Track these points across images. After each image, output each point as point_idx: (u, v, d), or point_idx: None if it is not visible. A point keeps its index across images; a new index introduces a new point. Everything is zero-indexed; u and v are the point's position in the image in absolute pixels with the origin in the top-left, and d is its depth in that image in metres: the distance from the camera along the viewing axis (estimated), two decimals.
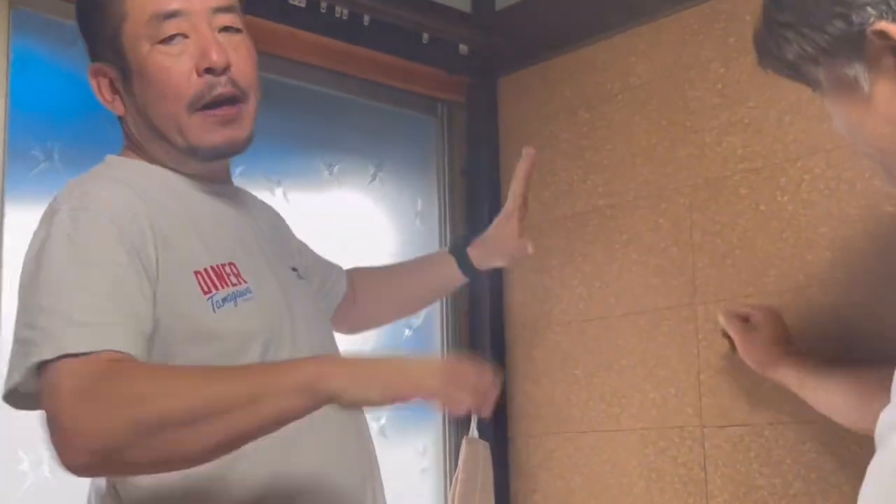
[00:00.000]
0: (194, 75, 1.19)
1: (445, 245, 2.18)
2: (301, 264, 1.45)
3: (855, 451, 1.55)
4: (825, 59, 1.01)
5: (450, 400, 1.05)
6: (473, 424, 2.09)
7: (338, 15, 1.93)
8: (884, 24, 0.95)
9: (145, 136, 1.25)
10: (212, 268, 1.19)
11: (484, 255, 1.63)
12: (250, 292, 1.21)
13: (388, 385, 1.03)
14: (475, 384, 1.05)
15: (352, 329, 1.65)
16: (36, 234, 1.17)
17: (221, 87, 1.20)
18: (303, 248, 1.53)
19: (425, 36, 2.07)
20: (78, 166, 1.69)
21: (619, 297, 1.93)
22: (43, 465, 1.57)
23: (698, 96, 1.82)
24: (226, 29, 1.23)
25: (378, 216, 2.16)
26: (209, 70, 1.19)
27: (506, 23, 2.16)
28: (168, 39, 1.19)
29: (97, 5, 1.23)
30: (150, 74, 1.19)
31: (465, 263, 1.63)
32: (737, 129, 1.76)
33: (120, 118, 1.28)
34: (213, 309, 1.17)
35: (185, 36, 1.20)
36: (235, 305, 1.19)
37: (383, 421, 2.03)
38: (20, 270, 1.16)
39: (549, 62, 2.08)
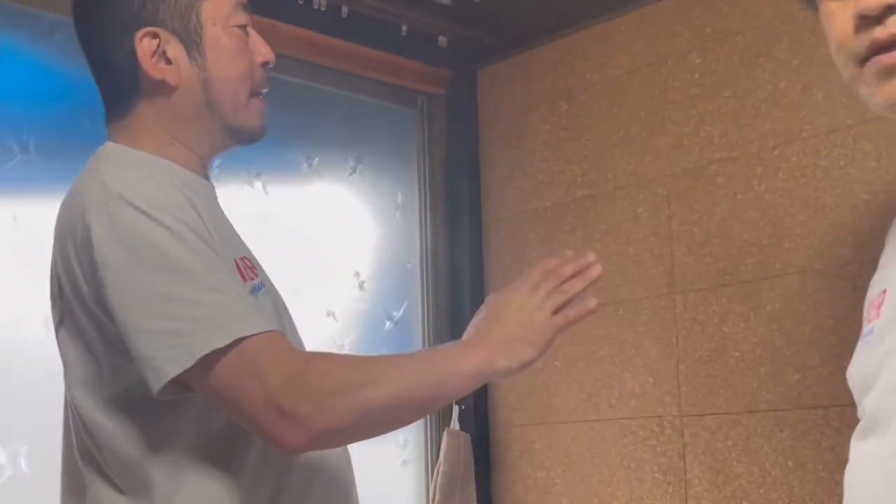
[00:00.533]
0: (256, 65, 1.29)
1: (427, 238, 2.18)
2: None
3: (832, 438, 1.56)
4: None
5: (562, 314, 1.19)
6: (455, 416, 2.10)
7: (316, 6, 1.92)
8: None
9: (192, 110, 1.25)
10: (241, 258, 1.22)
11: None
12: (264, 286, 1.25)
13: (528, 341, 1.15)
14: (557, 284, 1.20)
15: None
16: (95, 221, 1.12)
17: (267, 85, 1.31)
18: None
19: (404, 28, 2.06)
20: (54, 159, 1.69)
21: (597, 286, 1.92)
22: (20, 459, 1.56)
23: (676, 86, 1.82)
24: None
25: (358, 209, 2.15)
26: (265, 64, 1.30)
27: (485, 14, 2.15)
28: (241, 27, 1.28)
29: None
30: (229, 53, 1.26)
31: None
32: (714, 119, 1.76)
33: (137, 91, 1.27)
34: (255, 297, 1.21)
35: (247, 29, 1.29)
36: (257, 299, 1.22)
37: None
38: (104, 258, 1.12)
39: (529, 53, 2.09)
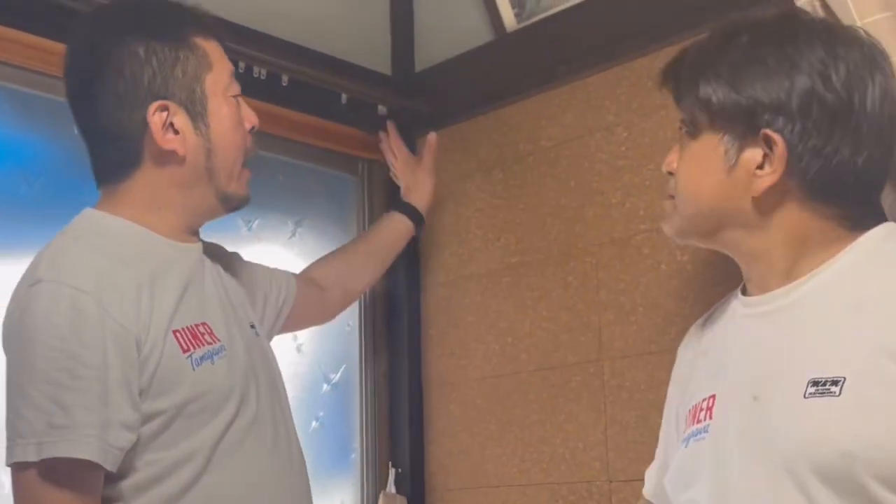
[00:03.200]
0: (247, 133, 1.38)
1: (365, 301, 2.21)
2: (259, 312, 1.57)
3: None
4: (720, 119, 1.16)
5: None
6: (391, 479, 2.11)
7: (256, 74, 1.96)
8: (778, 137, 1.12)
9: (193, 178, 1.34)
10: (188, 327, 1.28)
11: (415, 194, 2.01)
12: (224, 350, 1.32)
13: None
14: None
15: (332, 313, 1.91)
16: (16, 301, 1.24)
17: (255, 152, 1.41)
18: (257, 273, 1.63)
19: (344, 97, 2.11)
20: None
21: (530, 352, 1.97)
22: None
23: (604, 158, 1.88)
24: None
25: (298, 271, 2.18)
26: (252, 129, 1.39)
27: (424, 85, 2.21)
28: (236, 97, 1.37)
29: (176, 50, 1.33)
30: (230, 123, 1.35)
31: (408, 210, 1.98)
32: (640, 191, 1.82)
33: (137, 158, 1.34)
34: (193, 367, 1.27)
35: (238, 98, 1.38)
36: (213, 363, 1.30)
37: None
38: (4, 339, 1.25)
39: (465, 123, 2.14)
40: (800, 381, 1.08)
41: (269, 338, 1.64)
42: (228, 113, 1.35)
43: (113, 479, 1.22)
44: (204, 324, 1.32)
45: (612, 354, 1.83)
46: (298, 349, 2.11)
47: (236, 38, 1.83)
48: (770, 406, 1.12)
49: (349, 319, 2.20)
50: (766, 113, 1.12)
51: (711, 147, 1.18)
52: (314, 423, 2.11)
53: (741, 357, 1.21)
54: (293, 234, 2.17)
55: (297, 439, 1.48)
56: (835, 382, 1.05)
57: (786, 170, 1.13)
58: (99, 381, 1.19)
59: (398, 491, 2.10)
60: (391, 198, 2.25)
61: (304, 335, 2.11)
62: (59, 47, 1.62)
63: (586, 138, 1.91)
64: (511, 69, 2.05)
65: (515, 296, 2.00)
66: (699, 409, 1.22)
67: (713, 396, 1.21)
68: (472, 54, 2.13)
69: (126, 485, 1.23)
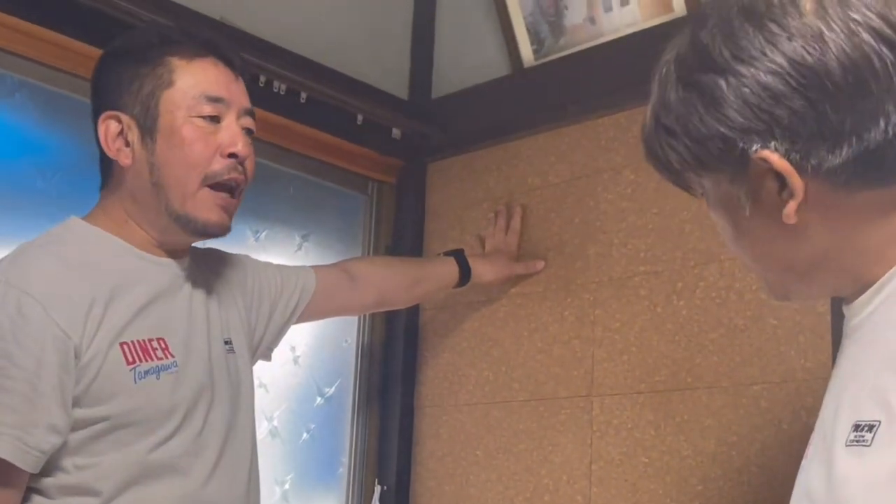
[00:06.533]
0: (217, 155, 1.36)
1: (365, 318, 2.24)
2: (266, 314, 1.60)
3: None
4: (706, 172, 0.98)
5: None
6: (376, 496, 2.14)
7: (276, 89, 2.01)
8: (766, 153, 0.92)
9: (141, 192, 1.37)
10: (139, 341, 1.31)
11: (484, 264, 2.00)
12: (176, 366, 1.34)
13: None
14: None
15: (360, 308, 1.98)
16: None
17: (236, 173, 1.37)
18: (266, 274, 1.65)
19: (360, 117, 2.15)
20: (5, 215, 1.74)
21: (522, 382, 2.00)
22: None
23: (609, 199, 1.92)
24: (247, 130, 1.41)
25: None
26: (232, 155, 1.37)
27: (439, 111, 2.25)
28: (206, 118, 1.36)
29: (137, 66, 1.37)
30: (180, 140, 1.35)
31: (465, 267, 1.97)
32: (642, 233, 1.86)
33: (109, 169, 1.40)
34: (135, 380, 1.29)
35: (218, 121, 1.37)
36: (157, 378, 1.33)
37: (287, 486, 2.07)
38: None
39: (477, 152, 2.18)
40: (849, 422, 0.87)
41: (279, 336, 1.67)
42: (182, 131, 1.35)
43: (42, 475, 1.26)
44: (160, 339, 1.35)
45: (603, 391, 1.86)
46: (296, 361, 2.14)
47: (258, 52, 1.89)
48: (825, 455, 0.90)
49: (347, 335, 2.24)
50: (740, 139, 0.94)
51: (727, 203, 0.99)
52: (305, 435, 2.14)
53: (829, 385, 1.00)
54: (299, 248, 2.20)
55: (253, 461, 1.48)
56: (870, 428, 0.85)
57: (802, 177, 0.92)
58: (28, 382, 1.22)
59: None
60: (398, 220, 2.29)
61: (302, 348, 2.15)
62: (85, 48, 1.69)
63: (594, 178, 1.95)
64: (525, 104, 2.09)
65: (512, 326, 2.04)
66: (810, 441, 0.99)
67: (816, 429, 0.98)
68: (489, 86, 2.18)
69: (52, 483, 1.27)
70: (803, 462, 0.97)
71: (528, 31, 2.09)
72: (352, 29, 2.22)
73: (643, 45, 1.88)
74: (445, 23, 2.32)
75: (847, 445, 0.86)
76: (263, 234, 2.14)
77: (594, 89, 1.96)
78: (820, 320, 1.59)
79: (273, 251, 2.16)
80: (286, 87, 2.02)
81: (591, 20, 1.99)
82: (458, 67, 2.27)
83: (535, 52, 2.09)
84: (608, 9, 1.96)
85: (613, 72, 1.93)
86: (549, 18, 2.05)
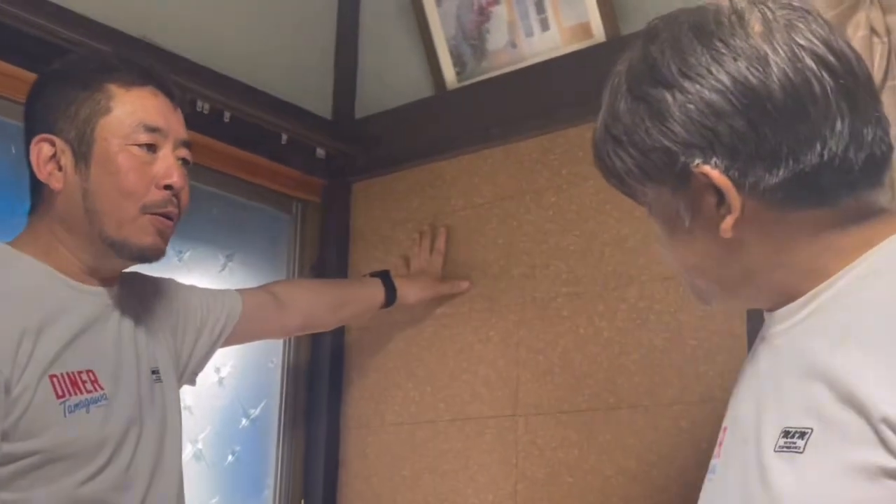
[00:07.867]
0: (153, 186, 1.36)
1: (290, 339, 2.23)
2: (192, 339, 1.60)
3: None
4: (650, 182, 1.00)
5: None
6: None
7: (199, 109, 1.99)
8: (707, 168, 0.93)
9: (73, 217, 1.35)
10: (69, 374, 1.29)
11: (410, 285, 2.01)
12: (105, 399, 1.33)
13: None
14: None
15: (286, 332, 1.98)
16: None
17: (172, 206, 1.38)
18: (192, 298, 1.64)
19: (284, 137, 2.14)
20: None
21: (448, 402, 2.01)
22: None
23: (532, 220, 1.94)
24: (183, 161, 1.42)
25: None
26: (168, 187, 1.37)
27: (363, 131, 2.26)
28: (142, 146, 1.36)
29: (75, 91, 1.36)
30: (116, 168, 1.34)
31: (391, 288, 1.98)
32: (563, 255, 1.88)
33: (40, 193, 1.37)
34: (65, 413, 1.28)
35: (155, 151, 1.37)
36: (87, 412, 1.31)
37: None
38: None
39: (401, 173, 2.19)
40: (777, 428, 0.90)
41: (205, 361, 1.66)
42: (117, 159, 1.35)
43: None
44: (89, 371, 1.34)
45: (527, 411, 1.88)
46: (220, 382, 2.13)
47: (182, 71, 1.87)
48: (750, 457, 0.93)
49: (273, 356, 2.23)
50: (682, 153, 0.95)
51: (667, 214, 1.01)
52: (230, 457, 2.12)
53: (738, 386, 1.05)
54: (223, 268, 2.19)
55: (180, 493, 1.48)
56: (801, 435, 0.88)
57: (740, 193, 0.94)
58: None
59: None
60: (323, 240, 2.28)
61: (227, 369, 2.13)
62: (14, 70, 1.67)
63: (517, 199, 1.98)
64: (448, 125, 2.11)
65: (437, 346, 2.05)
66: (718, 443, 1.04)
67: (725, 429, 1.03)
68: (412, 107, 2.19)
69: None
70: (713, 461, 1.03)
71: (451, 53, 2.10)
72: (276, 48, 2.22)
73: (564, 69, 1.92)
74: (369, 44, 2.33)
75: (777, 451, 0.89)
76: (187, 254, 2.12)
77: (516, 112, 1.98)
78: (736, 342, 1.63)
79: (197, 271, 2.14)
80: (209, 107, 2.00)
81: (513, 44, 2.01)
82: (382, 88, 2.27)
83: (458, 74, 2.11)
84: (529, 34, 1.98)
85: (535, 95, 1.95)
86: (472, 42, 2.07)
